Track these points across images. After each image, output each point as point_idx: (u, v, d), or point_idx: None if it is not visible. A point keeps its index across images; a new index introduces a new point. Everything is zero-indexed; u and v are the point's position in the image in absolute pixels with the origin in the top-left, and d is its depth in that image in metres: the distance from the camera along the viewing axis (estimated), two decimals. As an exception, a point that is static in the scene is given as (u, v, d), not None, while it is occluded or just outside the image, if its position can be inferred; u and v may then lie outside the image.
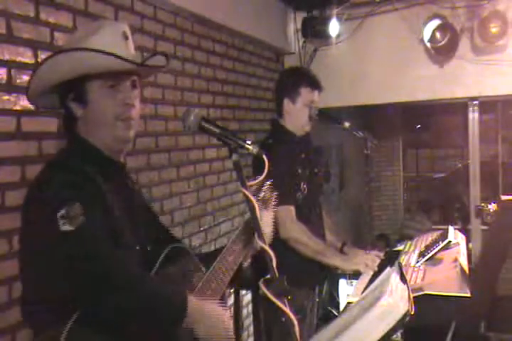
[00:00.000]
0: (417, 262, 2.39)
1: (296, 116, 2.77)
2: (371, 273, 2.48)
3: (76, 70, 1.47)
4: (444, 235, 2.55)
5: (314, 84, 2.77)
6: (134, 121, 1.56)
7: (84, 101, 1.51)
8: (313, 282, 2.82)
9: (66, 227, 1.31)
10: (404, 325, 1.53)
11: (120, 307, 1.34)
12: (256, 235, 1.42)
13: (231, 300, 2.93)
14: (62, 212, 1.32)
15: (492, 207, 4.78)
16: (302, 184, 2.71)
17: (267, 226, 1.72)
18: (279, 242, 2.51)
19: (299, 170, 2.71)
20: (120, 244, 1.45)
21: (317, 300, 2.85)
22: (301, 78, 2.77)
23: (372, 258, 2.59)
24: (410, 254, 2.59)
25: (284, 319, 1.31)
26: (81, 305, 1.31)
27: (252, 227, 1.57)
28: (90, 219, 1.34)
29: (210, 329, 1.46)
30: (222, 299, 1.63)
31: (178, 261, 1.60)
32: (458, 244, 2.54)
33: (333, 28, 4.29)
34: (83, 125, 1.53)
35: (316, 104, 2.79)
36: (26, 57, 2.03)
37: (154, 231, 1.70)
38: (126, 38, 1.55)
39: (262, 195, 1.75)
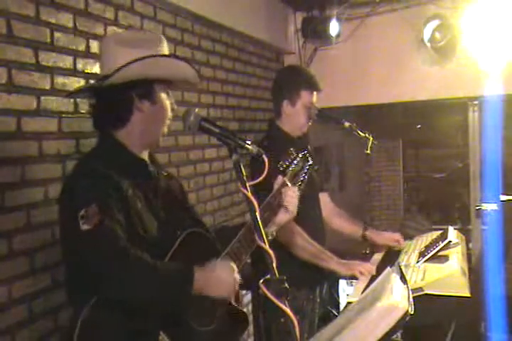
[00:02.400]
0: (417, 262, 2.40)
1: (295, 118, 2.74)
2: (368, 279, 2.46)
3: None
4: (444, 235, 2.55)
5: (314, 86, 2.74)
6: None
7: (152, 99, 1.69)
8: (313, 282, 2.81)
9: (85, 226, 1.49)
10: (404, 325, 1.53)
11: (131, 296, 1.51)
12: (256, 235, 1.42)
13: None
14: (82, 212, 1.49)
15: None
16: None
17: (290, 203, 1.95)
18: (278, 243, 2.52)
19: (297, 172, 2.70)
20: (139, 235, 1.60)
21: (318, 300, 2.84)
22: (302, 80, 2.73)
23: (368, 268, 2.55)
24: (410, 254, 2.60)
25: (283, 319, 1.31)
26: (98, 292, 1.52)
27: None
28: (105, 218, 1.50)
29: (218, 290, 1.60)
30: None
31: (195, 244, 1.71)
32: (458, 244, 2.55)
33: (333, 28, 4.28)
34: (143, 119, 1.70)
35: (314, 104, 2.77)
36: (26, 57, 2.03)
37: (180, 216, 1.82)
38: None
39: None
